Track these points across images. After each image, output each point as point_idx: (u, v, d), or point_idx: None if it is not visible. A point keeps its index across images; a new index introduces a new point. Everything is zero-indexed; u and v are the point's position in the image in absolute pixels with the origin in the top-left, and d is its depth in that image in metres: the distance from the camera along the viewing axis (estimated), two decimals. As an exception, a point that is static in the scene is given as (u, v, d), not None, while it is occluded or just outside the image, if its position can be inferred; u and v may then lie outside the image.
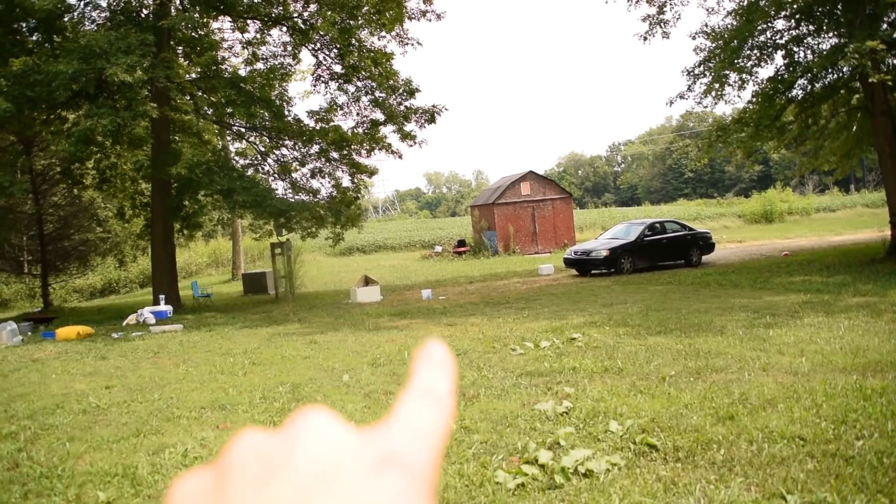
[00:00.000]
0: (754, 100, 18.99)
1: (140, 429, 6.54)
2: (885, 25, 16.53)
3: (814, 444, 4.80)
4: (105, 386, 8.73)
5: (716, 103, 19.24)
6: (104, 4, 18.74)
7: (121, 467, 5.43)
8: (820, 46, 18.58)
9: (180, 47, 19.71)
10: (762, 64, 18.52)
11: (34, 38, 18.22)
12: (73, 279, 29.93)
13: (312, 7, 20.65)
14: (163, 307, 17.20)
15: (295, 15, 20.91)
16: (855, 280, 13.91)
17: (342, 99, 21.52)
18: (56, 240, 25.11)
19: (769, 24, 18.25)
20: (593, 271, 20.15)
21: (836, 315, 9.98)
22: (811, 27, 18.41)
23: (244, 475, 0.32)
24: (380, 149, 21.41)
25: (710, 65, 18.64)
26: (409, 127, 20.95)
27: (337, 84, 21.47)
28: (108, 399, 7.95)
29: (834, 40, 17.57)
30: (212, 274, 37.19)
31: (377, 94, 20.92)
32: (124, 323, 16.21)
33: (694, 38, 19.83)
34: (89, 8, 18.65)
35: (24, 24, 17.85)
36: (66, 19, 18.17)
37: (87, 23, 18.54)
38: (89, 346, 12.44)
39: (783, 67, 18.53)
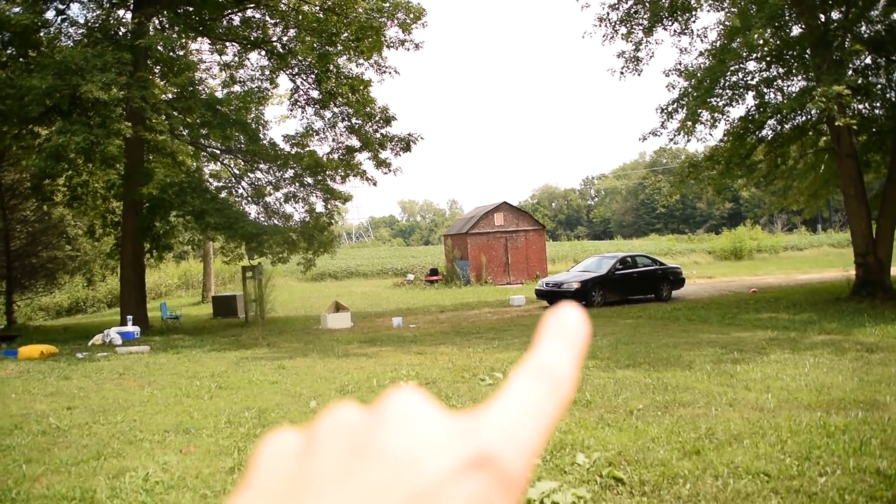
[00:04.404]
0: (726, 138, 19.36)
1: (101, 451, 6.39)
2: (850, 72, 16.98)
3: (778, 481, 4.84)
4: (67, 407, 8.53)
5: (688, 140, 19.59)
6: (81, 21, 18.67)
7: (79, 491, 5.29)
8: (789, 89, 19.05)
9: (157, 67, 19.64)
10: (734, 103, 18.91)
11: (8, 51, 18.04)
12: (39, 297, 29.34)
13: (291, 32, 20.76)
14: (130, 328, 16.93)
15: (274, 39, 20.99)
16: (820, 318, 14.13)
17: (318, 124, 21.62)
18: (23, 256, 24.64)
19: (741, 66, 18.68)
20: (564, 303, 20.23)
21: (802, 352, 10.11)
22: (781, 70, 18.88)
23: (329, 451, 0.30)
24: (354, 175, 21.42)
25: (683, 102, 18.98)
26: (385, 154, 21.07)
27: (314, 109, 21.56)
28: (69, 420, 7.77)
29: (802, 83, 18.03)
30: (182, 296, 36.74)
31: (353, 120, 21.01)
32: (90, 343, 15.91)
33: (667, 75, 20.23)
34: (66, 24, 18.58)
35: (-2, 38, 17.70)
36: (42, 34, 18.03)
37: (63, 39, 18.44)
38: (52, 366, 12.16)
39: (754, 108, 18.95)
